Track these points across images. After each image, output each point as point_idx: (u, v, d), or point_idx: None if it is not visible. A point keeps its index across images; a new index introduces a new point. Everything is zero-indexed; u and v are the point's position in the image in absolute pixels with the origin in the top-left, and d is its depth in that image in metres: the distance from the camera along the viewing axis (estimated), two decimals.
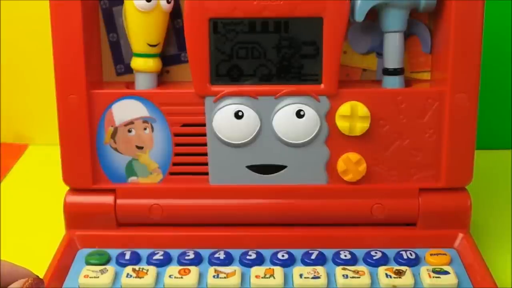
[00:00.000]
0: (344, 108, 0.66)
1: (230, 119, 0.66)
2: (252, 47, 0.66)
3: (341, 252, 0.66)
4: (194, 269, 0.63)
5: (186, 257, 0.65)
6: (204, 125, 0.67)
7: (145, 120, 0.67)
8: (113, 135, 0.67)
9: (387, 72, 0.67)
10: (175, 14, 0.68)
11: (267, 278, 0.62)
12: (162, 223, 0.68)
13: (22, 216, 0.79)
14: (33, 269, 0.52)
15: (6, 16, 0.92)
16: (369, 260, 0.65)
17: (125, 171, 0.68)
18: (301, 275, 0.62)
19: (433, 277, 0.62)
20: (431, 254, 0.66)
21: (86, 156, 0.67)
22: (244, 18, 0.65)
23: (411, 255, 0.66)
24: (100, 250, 0.67)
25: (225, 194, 0.68)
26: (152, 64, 0.67)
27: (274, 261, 0.65)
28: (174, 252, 0.66)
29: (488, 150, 0.89)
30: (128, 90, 0.67)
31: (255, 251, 0.66)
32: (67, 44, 0.65)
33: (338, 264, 0.65)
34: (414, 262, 0.65)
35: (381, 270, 0.63)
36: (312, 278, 0.62)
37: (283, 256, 0.65)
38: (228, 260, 0.65)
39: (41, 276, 0.52)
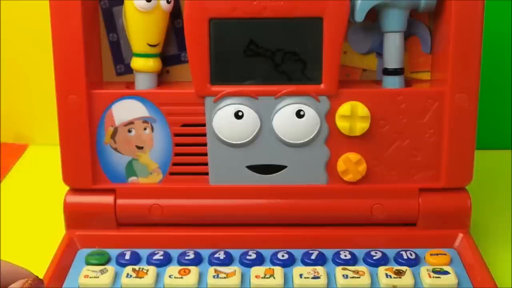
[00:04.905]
0: (344, 108, 0.66)
1: (230, 119, 0.66)
2: (252, 47, 0.66)
3: (341, 252, 0.66)
4: (194, 269, 0.63)
5: (186, 257, 0.65)
6: (204, 125, 0.67)
7: (145, 120, 0.67)
8: (113, 135, 0.67)
9: (387, 72, 0.67)
10: (175, 14, 0.68)
11: (267, 278, 0.62)
12: (162, 223, 0.68)
13: (22, 216, 0.79)
14: (33, 269, 0.52)
15: (6, 16, 0.92)
16: (369, 260, 0.65)
17: (125, 171, 0.68)
18: (301, 275, 0.62)
19: (433, 277, 0.62)
20: (431, 254, 0.66)
21: (86, 156, 0.67)
22: (244, 18, 0.65)
23: (411, 255, 0.66)
24: (100, 250, 0.67)
25: (225, 194, 0.68)
26: (152, 64, 0.67)
27: (274, 261, 0.65)
28: (174, 252, 0.66)
29: (488, 150, 0.89)
30: (128, 90, 0.67)
31: (255, 251, 0.66)
32: (67, 44, 0.65)
33: (338, 264, 0.65)
34: (414, 262, 0.65)
35: (381, 270, 0.63)
36: (312, 278, 0.62)
37: (283, 256, 0.65)
38: (228, 260, 0.65)
39: (41, 276, 0.52)
